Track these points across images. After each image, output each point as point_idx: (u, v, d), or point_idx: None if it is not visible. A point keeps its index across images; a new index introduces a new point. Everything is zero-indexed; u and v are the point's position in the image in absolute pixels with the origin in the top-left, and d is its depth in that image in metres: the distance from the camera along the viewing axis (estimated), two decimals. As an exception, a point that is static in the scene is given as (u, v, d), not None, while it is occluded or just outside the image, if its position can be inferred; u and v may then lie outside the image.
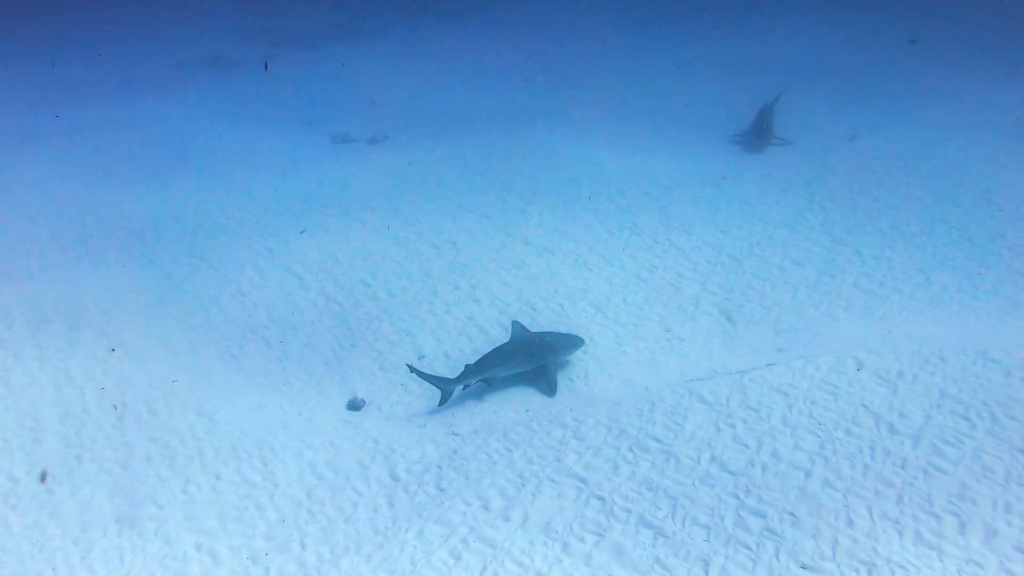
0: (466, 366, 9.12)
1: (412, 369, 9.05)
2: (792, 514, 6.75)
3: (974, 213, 11.88)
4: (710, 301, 10.42)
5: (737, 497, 6.97)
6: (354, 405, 9.15)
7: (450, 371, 9.44)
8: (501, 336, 10.01)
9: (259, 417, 8.87)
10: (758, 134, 14.97)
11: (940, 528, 6.56)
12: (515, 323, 9.70)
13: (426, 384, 9.12)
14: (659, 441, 7.69)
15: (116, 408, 8.89)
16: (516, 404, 8.99)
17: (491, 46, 22.86)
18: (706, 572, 6.30)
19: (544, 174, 13.85)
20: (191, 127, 17.29)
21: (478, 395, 9.21)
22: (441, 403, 9.06)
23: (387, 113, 18.11)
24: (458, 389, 9.12)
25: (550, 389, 9.16)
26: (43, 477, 7.99)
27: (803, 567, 6.25)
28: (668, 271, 11.10)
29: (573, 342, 9.63)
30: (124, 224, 12.84)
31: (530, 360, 9.32)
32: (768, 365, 8.93)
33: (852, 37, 20.76)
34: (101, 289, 11.05)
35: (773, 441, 7.56)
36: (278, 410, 9.04)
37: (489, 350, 9.39)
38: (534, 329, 9.83)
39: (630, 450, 7.64)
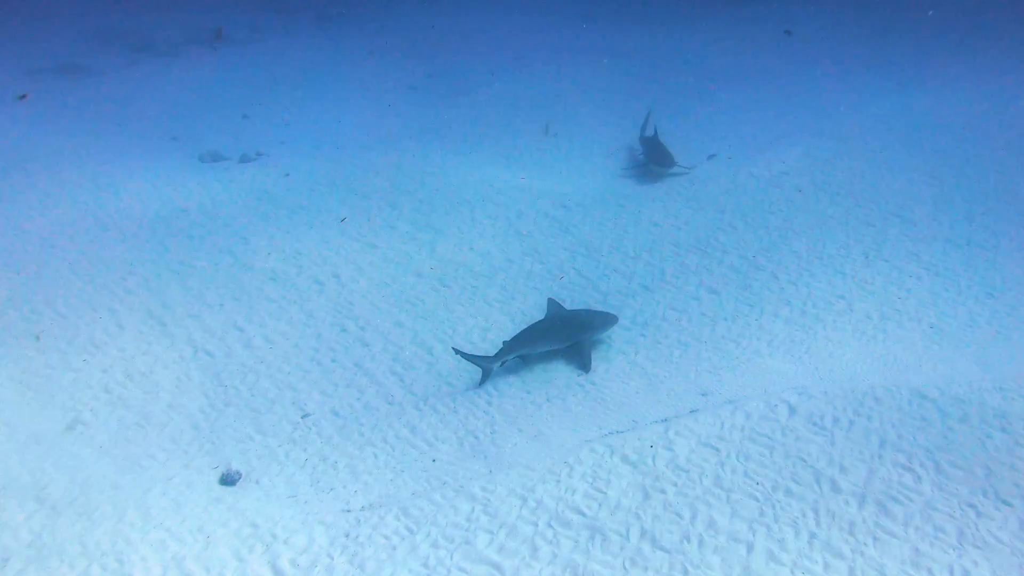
0: (504, 343, 9.13)
1: (457, 352, 9.10)
2: (737, 599, 5.95)
3: (887, 231, 11.39)
4: (624, 339, 9.57)
5: (675, 581, 6.12)
6: (228, 479, 7.90)
7: (338, 432, 8.36)
8: (396, 386, 8.95)
9: (113, 501, 7.52)
10: (659, 163, 13.63)
11: (899, 606, 5.86)
12: (551, 300, 9.91)
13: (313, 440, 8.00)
14: (581, 514, 6.78)
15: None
16: (416, 467, 7.91)
17: (373, 51, 21.56)
18: None
19: (435, 195, 12.75)
20: (38, 146, 15.44)
21: (375, 456, 8.10)
22: (481, 382, 9.02)
23: (261, 127, 16.70)
24: (496, 366, 9.08)
25: (585, 366, 9.12)
26: None
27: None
28: (576, 304, 10.21)
29: (608, 320, 9.61)
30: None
31: (566, 337, 9.33)
32: (692, 412, 8.15)
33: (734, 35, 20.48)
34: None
35: (708, 508, 6.75)
36: (137, 490, 7.68)
37: (525, 327, 9.44)
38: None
39: (549, 526, 6.71)
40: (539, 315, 9.99)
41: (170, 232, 11.87)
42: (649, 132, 14.46)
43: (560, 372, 9.06)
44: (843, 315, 9.78)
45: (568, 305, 10.07)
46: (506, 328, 9.78)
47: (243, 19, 25.56)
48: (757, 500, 6.79)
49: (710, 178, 12.90)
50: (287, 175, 13.69)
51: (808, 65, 18.79)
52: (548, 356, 9.33)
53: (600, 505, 6.84)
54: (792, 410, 7.72)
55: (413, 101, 17.85)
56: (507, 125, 15.62)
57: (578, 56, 19.11)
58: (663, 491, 6.94)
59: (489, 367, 9.03)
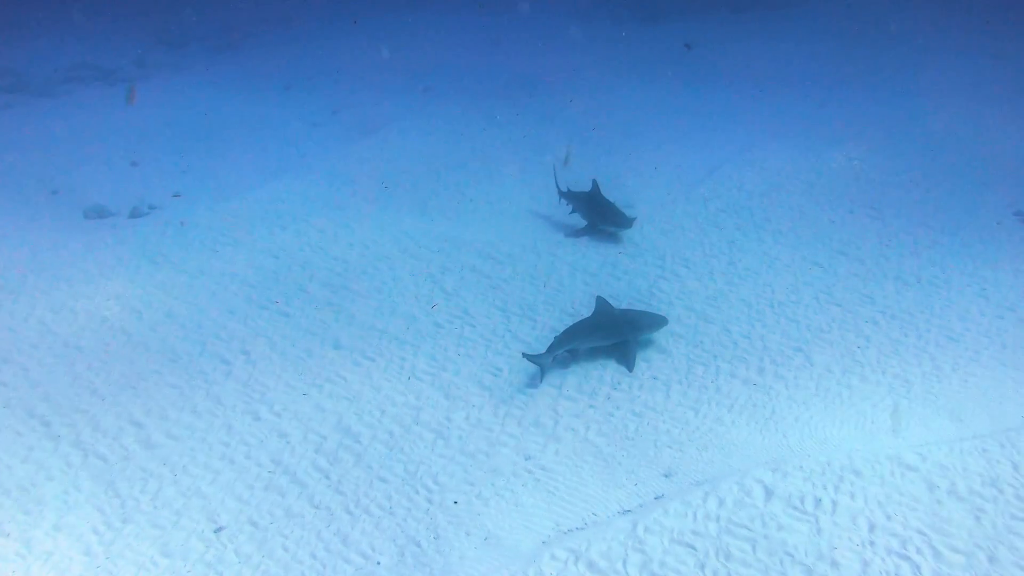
0: (555, 337, 9.25)
1: (525, 355, 9.15)
2: None
3: (836, 271, 10.83)
4: (571, 412, 8.66)
5: None
6: (129, 620, 6.71)
7: (259, 548, 7.22)
8: (322, 485, 7.85)
9: (-11, 660, 6.31)
10: (618, 223, 11.90)
11: None
12: (599, 298, 9.89)
13: None
14: (551, 644, 5.86)
15: None
16: (350, 585, 6.87)
17: (272, 85, 20.27)
18: None
19: (349, 251, 11.67)
20: None
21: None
22: (542, 377, 9.10)
23: (153, 176, 15.30)
24: (548, 361, 9.15)
25: (629, 365, 9.21)
26: None
27: None
28: (515, 373, 9.26)
29: (656, 321, 9.62)
30: None
31: (612, 335, 9.43)
32: (658, 499, 7.34)
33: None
34: None
35: (694, 626, 5.91)
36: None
37: (573, 323, 9.59)
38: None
39: (515, 665, 5.77)
40: (474, 388, 9.05)
41: (51, 308, 10.52)
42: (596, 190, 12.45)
43: (505, 457, 8.09)
44: (803, 370, 9.11)
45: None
46: (441, 407, 8.78)
47: (128, 53, 23.98)
48: (747, 611, 5.99)
49: (646, 219, 12.12)
50: (182, 222, 12.48)
51: (722, 88, 18.36)
52: (488, 438, 8.36)
53: (571, 631, 5.94)
54: (769, 492, 6.97)
55: (318, 140, 16.67)
56: (423, 167, 14.58)
57: (490, 85, 18.23)
58: (640, 607, 6.08)
59: (544, 363, 9.10)
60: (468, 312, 10.30)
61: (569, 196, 12.55)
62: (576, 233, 12.18)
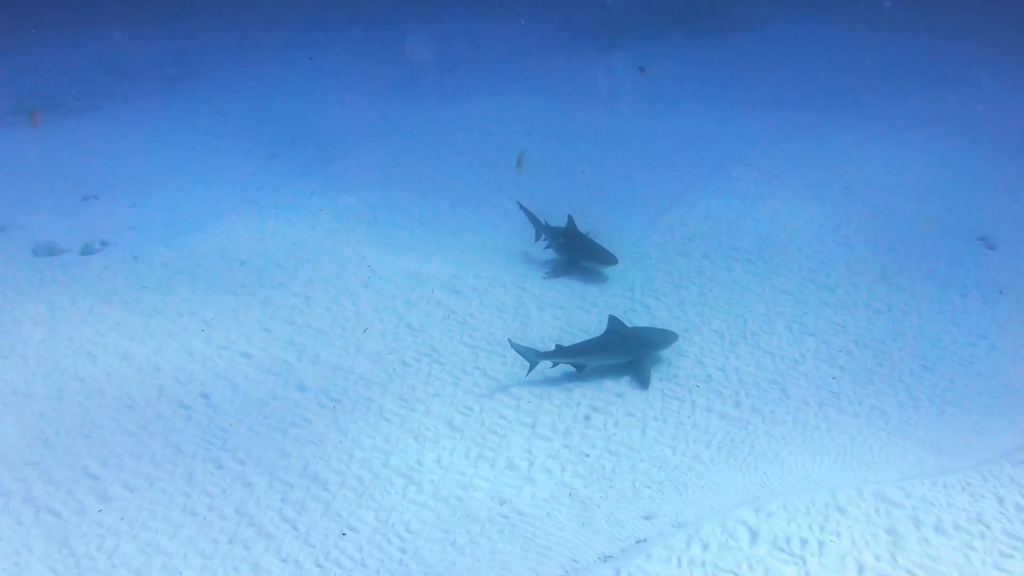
0: (557, 346, 9.43)
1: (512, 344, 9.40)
2: None
3: (807, 300, 10.76)
4: (545, 451, 8.42)
5: None
6: None
7: (223, 609, 6.87)
8: (289, 537, 7.50)
9: None
10: (602, 260, 11.50)
11: None
12: (611, 317, 9.85)
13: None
14: None
15: None
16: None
17: (228, 114, 19.77)
18: None
19: (311, 287, 11.33)
20: None
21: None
22: (528, 373, 9.31)
23: (105, 211, 14.81)
24: (545, 364, 9.35)
25: (643, 383, 9.24)
26: None
27: None
28: (487, 412, 9.00)
29: (668, 338, 9.69)
30: None
31: (624, 354, 9.48)
32: (640, 544, 7.11)
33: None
34: None
35: None
36: None
37: (585, 340, 9.71)
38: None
39: None
40: (444, 428, 8.78)
41: (-1, 353, 10.08)
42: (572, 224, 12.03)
43: (479, 502, 7.82)
44: (780, 404, 8.97)
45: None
46: (410, 450, 8.49)
47: (77, 83, 23.38)
48: (740, 666, 5.77)
49: (613, 249, 11.88)
50: (135, 258, 12.06)
51: (682, 114, 18.33)
52: (461, 482, 8.08)
53: None
54: (753, 534, 6.76)
55: (276, 171, 16.28)
56: (383, 198, 14.26)
57: (450, 113, 17.99)
58: (630, 665, 5.83)
59: (535, 361, 9.24)
60: (435, 349, 10.03)
61: (546, 231, 12.19)
62: (554, 271, 11.83)
